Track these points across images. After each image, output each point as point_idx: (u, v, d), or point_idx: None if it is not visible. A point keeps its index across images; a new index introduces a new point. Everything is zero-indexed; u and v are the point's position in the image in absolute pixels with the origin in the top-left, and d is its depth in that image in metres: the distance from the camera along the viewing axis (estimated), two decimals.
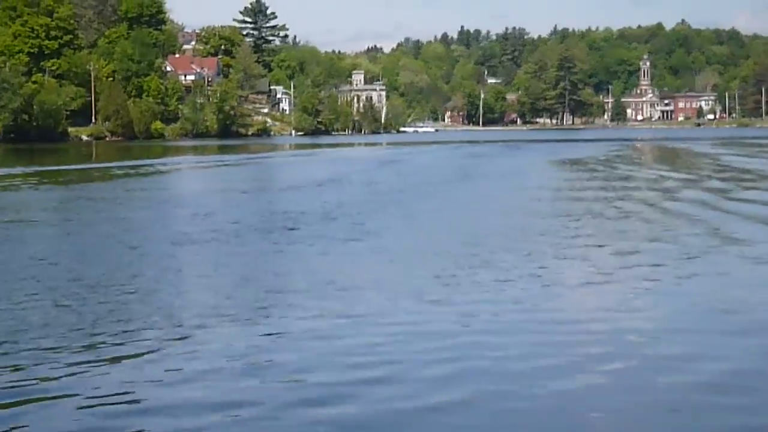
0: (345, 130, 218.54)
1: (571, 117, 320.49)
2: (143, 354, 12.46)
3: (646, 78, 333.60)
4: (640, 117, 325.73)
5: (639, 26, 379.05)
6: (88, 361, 12.06)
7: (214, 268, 19.85)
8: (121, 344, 12.94)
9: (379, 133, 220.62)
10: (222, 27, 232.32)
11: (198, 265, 20.68)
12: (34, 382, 11.18)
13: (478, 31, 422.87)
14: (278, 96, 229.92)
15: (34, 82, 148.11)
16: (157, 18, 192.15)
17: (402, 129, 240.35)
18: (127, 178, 55.70)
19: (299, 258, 21.05)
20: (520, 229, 26.18)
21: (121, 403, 10.40)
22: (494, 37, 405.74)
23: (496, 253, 21.43)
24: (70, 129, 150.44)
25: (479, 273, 18.66)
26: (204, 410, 10.16)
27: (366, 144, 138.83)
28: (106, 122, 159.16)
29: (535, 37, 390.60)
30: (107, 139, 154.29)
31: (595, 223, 28.09)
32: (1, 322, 14.15)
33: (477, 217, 30.64)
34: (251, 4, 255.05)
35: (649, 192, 40.61)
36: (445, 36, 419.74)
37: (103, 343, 13.03)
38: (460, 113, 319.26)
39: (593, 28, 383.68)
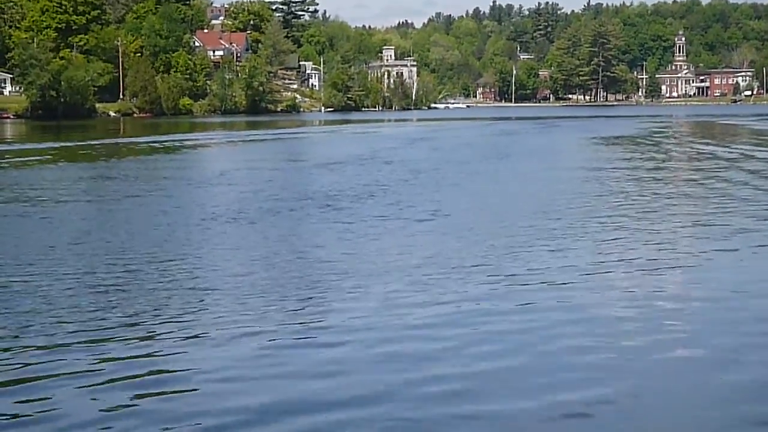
0: (375, 107, 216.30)
1: (605, 94, 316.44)
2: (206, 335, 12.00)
3: (681, 54, 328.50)
4: (675, 94, 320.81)
5: (674, 1, 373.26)
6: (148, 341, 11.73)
7: (272, 247, 19.07)
8: (192, 325, 12.49)
9: (410, 109, 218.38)
10: (251, 2, 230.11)
11: (256, 243, 19.75)
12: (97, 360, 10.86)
13: (510, 6, 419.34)
14: (308, 72, 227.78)
15: (62, 58, 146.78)
16: None
17: (433, 105, 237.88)
18: (158, 154, 54.38)
19: (351, 236, 20.51)
20: (567, 209, 24.51)
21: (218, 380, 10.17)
22: (527, 13, 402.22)
23: (555, 229, 21.05)
24: (97, 105, 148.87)
25: (541, 249, 18.29)
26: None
27: (397, 120, 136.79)
28: (134, 98, 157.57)
29: (569, 12, 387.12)
30: (135, 115, 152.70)
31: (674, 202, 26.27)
32: (53, 301, 13.75)
33: (522, 194, 28.98)
34: None
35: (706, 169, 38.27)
36: (476, 11, 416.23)
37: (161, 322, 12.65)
38: (492, 90, 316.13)
39: (627, 3, 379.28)
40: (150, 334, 11.98)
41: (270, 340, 11.69)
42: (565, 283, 15.03)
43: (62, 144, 66.84)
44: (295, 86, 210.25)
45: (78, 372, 10.37)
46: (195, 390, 9.83)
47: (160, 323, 12.50)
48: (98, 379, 10.12)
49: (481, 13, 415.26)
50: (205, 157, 56.65)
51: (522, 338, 11.84)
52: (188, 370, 10.49)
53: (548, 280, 15.26)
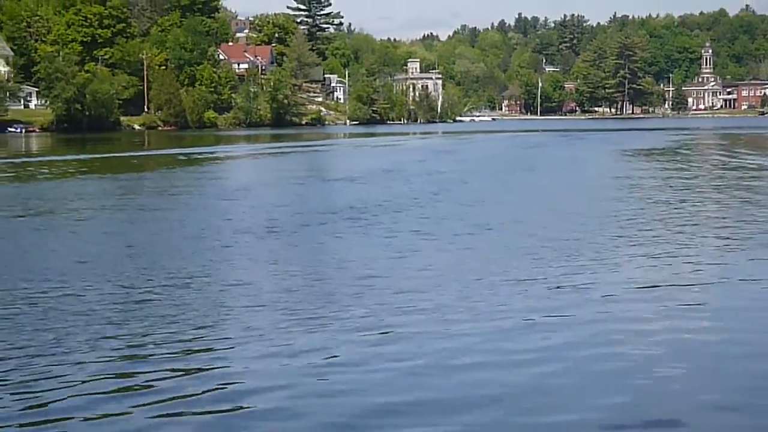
0: (400, 120, 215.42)
1: (631, 106, 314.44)
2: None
3: (708, 66, 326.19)
4: (701, 106, 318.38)
5: (701, 13, 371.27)
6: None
7: (311, 261, 18.90)
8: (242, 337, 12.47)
9: (435, 122, 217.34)
10: (276, 15, 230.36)
11: (293, 257, 19.51)
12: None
13: (535, 19, 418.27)
14: (332, 84, 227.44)
15: (87, 71, 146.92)
16: (210, 6, 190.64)
17: (458, 118, 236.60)
18: (183, 167, 54.26)
19: (390, 250, 20.07)
20: (606, 220, 23.87)
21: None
22: (552, 25, 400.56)
23: (598, 241, 20.86)
24: (122, 118, 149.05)
25: (590, 262, 18.12)
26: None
27: (422, 133, 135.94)
28: (158, 111, 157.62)
29: (594, 24, 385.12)
30: (159, 128, 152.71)
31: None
32: (92, 315, 13.73)
33: (556, 207, 28.23)
34: None
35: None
36: (502, 23, 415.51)
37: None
38: (518, 102, 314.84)
39: (653, 15, 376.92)
40: (210, 350, 11.84)
41: (330, 357, 11.50)
42: (620, 296, 14.96)
43: (87, 156, 66.62)
44: (320, 99, 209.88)
45: (135, 389, 10.27)
46: (255, 407, 9.70)
47: (217, 339, 12.36)
48: (160, 396, 9.99)
49: (507, 25, 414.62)
50: (231, 170, 56.10)
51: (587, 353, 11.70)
52: (251, 386, 10.38)
53: (606, 293, 15.17)
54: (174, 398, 9.93)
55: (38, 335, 12.50)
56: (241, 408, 9.67)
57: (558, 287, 15.57)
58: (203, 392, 10.12)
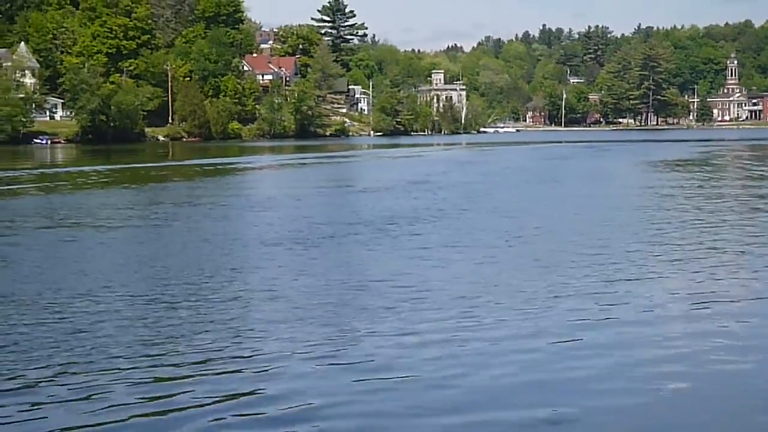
0: (424, 131, 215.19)
1: (655, 117, 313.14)
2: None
3: (733, 77, 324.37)
4: (726, 117, 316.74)
5: (726, 24, 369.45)
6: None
7: (343, 273, 18.57)
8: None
9: (459, 133, 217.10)
10: (300, 26, 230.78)
11: (327, 268, 19.21)
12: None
13: (560, 30, 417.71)
14: (356, 96, 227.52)
15: (112, 83, 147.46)
16: (234, 17, 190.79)
17: (482, 129, 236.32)
18: (208, 178, 54.20)
19: (425, 263, 19.80)
20: (637, 233, 23.40)
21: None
22: (576, 36, 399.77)
23: (634, 253, 20.60)
24: (146, 129, 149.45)
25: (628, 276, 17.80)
26: None
27: (446, 144, 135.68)
28: (183, 122, 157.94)
29: (618, 35, 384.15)
30: (184, 139, 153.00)
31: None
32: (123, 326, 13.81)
33: (586, 219, 27.51)
34: (329, 2, 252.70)
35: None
36: (526, 35, 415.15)
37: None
38: (542, 113, 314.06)
39: (678, 26, 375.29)
40: (252, 366, 11.64)
41: (374, 371, 11.36)
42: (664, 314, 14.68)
43: (112, 167, 66.67)
44: (344, 110, 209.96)
45: (177, 409, 10.04)
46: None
47: (256, 355, 12.18)
48: (205, 418, 9.77)
49: (531, 36, 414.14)
50: (256, 181, 55.98)
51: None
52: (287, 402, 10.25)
53: (650, 307, 15.05)
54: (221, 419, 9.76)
55: (68, 347, 12.33)
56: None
57: (603, 302, 15.36)
58: (253, 414, 9.93)
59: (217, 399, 10.33)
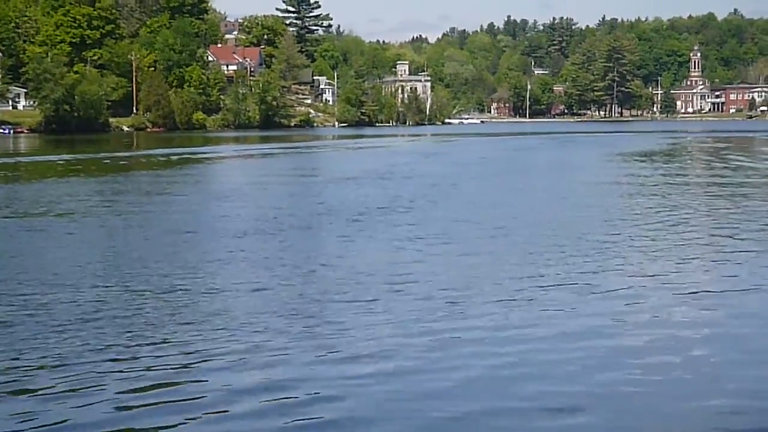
0: (389, 122, 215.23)
1: (620, 109, 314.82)
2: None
3: (696, 69, 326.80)
4: (690, 109, 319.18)
5: (690, 16, 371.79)
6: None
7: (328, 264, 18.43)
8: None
9: (424, 124, 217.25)
10: (265, 16, 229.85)
11: (306, 260, 19.05)
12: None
13: (524, 21, 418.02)
14: (321, 87, 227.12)
15: (76, 72, 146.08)
16: (199, 7, 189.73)
17: (447, 121, 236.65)
18: (172, 169, 53.85)
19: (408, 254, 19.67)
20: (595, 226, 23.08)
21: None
22: (541, 27, 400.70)
23: (592, 242, 20.19)
24: (111, 119, 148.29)
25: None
26: None
27: (411, 136, 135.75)
28: (147, 113, 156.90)
29: (583, 27, 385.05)
30: (148, 129, 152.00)
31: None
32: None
33: (553, 210, 27.59)
34: None
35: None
36: (491, 26, 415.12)
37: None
38: (507, 105, 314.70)
39: (643, 19, 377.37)
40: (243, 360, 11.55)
41: (374, 363, 11.37)
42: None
43: (76, 157, 66.28)
44: (308, 101, 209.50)
45: (180, 402, 9.98)
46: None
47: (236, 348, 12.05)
48: (206, 410, 9.75)
49: (496, 27, 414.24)
50: (219, 172, 55.81)
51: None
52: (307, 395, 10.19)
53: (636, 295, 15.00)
54: (222, 412, 9.72)
55: (36, 340, 12.28)
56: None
57: (582, 292, 15.53)
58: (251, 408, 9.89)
59: (200, 394, 10.30)
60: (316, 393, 10.17)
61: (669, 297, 15.18)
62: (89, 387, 10.37)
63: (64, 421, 9.39)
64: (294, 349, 11.89)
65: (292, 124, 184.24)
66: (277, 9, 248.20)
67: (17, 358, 11.44)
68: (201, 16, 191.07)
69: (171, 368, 11.07)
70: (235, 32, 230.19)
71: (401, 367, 11.14)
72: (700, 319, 13.79)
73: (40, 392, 10.22)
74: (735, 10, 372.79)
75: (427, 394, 10.19)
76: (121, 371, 10.96)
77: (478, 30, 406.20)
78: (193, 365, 11.22)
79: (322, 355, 11.65)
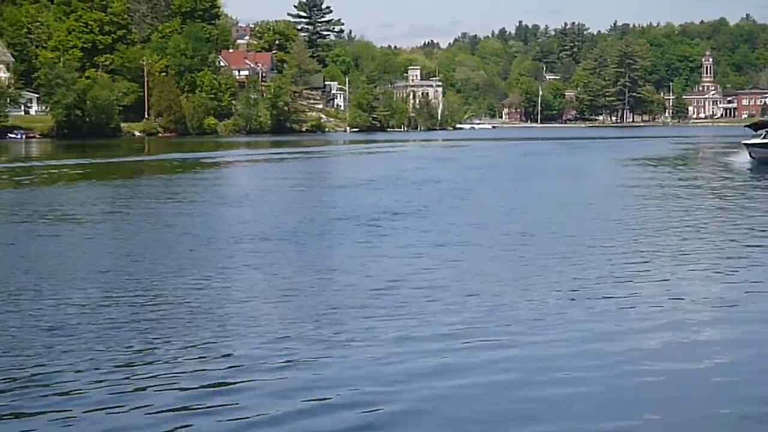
0: (400, 127, 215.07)
1: (631, 114, 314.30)
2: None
3: (708, 75, 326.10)
4: (701, 115, 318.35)
5: (701, 22, 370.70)
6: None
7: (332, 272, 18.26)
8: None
9: (435, 129, 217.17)
10: (276, 22, 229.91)
11: (325, 265, 19.05)
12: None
13: (536, 27, 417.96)
14: (333, 92, 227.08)
15: (88, 78, 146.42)
16: (210, 12, 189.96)
17: (458, 126, 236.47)
18: (184, 174, 53.76)
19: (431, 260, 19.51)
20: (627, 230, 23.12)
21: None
22: (552, 33, 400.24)
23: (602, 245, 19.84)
24: (122, 124, 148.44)
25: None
26: None
27: (422, 141, 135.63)
28: (159, 118, 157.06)
29: (595, 32, 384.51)
30: (159, 134, 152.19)
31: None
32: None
33: (566, 216, 27.35)
34: None
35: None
36: (502, 31, 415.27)
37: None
38: (518, 110, 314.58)
39: (654, 24, 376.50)
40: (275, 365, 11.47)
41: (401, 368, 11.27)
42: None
43: (88, 161, 66.35)
44: (320, 106, 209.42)
45: (203, 408, 9.91)
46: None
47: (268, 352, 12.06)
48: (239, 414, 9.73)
49: (507, 33, 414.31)
50: (231, 177, 55.69)
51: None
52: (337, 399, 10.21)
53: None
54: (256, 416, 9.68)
55: (45, 344, 12.19)
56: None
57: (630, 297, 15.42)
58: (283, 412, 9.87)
59: (203, 400, 10.23)
60: (353, 392, 10.25)
61: (703, 305, 15.10)
62: (127, 392, 10.36)
63: (103, 427, 9.36)
64: (328, 357, 11.84)
65: (304, 129, 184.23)
66: (288, 14, 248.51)
67: (50, 364, 11.38)
68: (212, 22, 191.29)
69: (210, 373, 11.08)
70: (247, 37, 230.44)
71: (434, 369, 11.12)
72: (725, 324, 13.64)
73: (76, 398, 10.17)
74: (747, 15, 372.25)
75: (462, 397, 10.20)
76: (156, 375, 10.92)
77: (490, 35, 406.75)
78: (230, 369, 11.25)
79: (358, 358, 11.67)
